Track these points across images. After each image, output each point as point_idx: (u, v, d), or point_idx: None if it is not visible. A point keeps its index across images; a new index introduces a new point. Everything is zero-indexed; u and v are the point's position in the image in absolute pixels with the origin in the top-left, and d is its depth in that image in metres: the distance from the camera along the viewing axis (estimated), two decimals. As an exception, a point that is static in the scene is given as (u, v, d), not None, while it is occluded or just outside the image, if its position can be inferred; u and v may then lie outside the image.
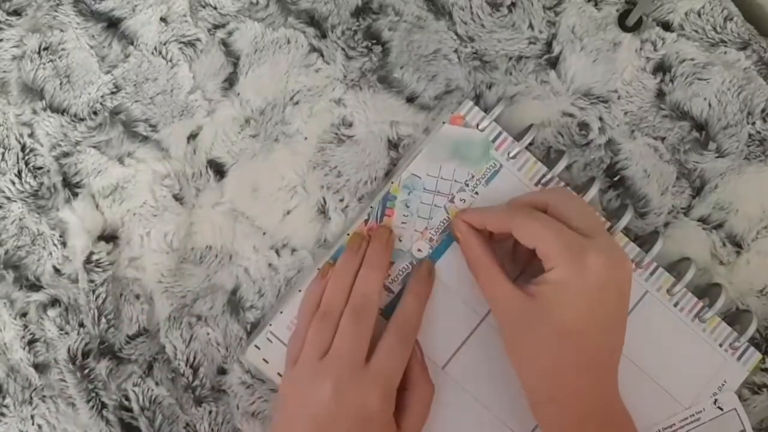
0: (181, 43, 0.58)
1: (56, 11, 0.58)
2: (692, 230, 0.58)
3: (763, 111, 0.59)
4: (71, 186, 0.57)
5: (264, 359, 0.54)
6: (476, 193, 0.55)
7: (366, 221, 0.55)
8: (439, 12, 0.59)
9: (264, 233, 0.57)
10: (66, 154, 0.57)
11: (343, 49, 0.58)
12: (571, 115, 0.58)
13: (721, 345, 0.55)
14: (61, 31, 0.58)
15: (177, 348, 0.56)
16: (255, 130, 0.58)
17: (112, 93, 0.58)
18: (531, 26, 0.59)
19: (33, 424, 0.56)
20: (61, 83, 0.58)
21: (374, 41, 0.58)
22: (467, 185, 0.55)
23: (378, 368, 0.49)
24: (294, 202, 0.57)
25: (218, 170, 0.58)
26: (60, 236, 0.57)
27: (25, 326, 0.56)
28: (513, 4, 0.59)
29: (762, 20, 0.60)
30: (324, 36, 0.58)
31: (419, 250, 0.55)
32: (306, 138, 0.58)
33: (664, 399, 0.55)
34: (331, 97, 0.58)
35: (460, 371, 0.54)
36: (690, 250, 0.58)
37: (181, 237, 0.57)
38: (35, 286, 0.57)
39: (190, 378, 0.56)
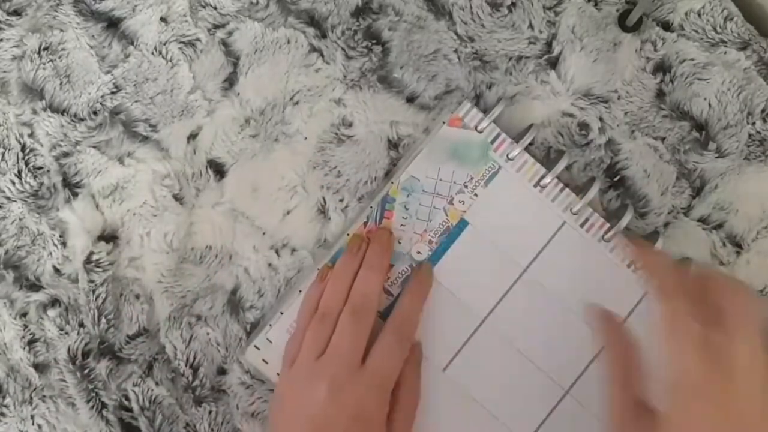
0: (181, 43, 0.58)
1: (56, 11, 0.58)
2: (692, 230, 0.58)
3: (763, 111, 0.58)
4: (71, 186, 0.57)
5: (264, 360, 0.54)
6: (475, 194, 0.55)
7: (365, 223, 0.55)
8: (439, 12, 0.59)
9: (264, 233, 0.57)
10: (66, 154, 0.57)
11: (343, 49, 0.58)
12: (571, 115, 0.58)
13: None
14: (61, 31, 0.58)
15: (177, 348, 0.56)
16: (255, 130, 0.58)
17: (112, 93, 0.58)
18: (531, 26, 0.59)
19: (33, 424, 0.56)
20: (61, 83, 0.58)
21: (374, 41, 0.58)
22: (466, 187, 0.55)
23: (374, 368, 0.49)
24: (294, 202, 0.58)
25: (218, 170, 0.58)
26: (60, 236, 0.57)
27: (25, 326, 0.56)
28: (513, 4, 0.59)
29: (762, 20, 0.60)
30: (324, 36, 0.58)
31: (419, 252, 0.55)
32: (306, 138, 0.58)
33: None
34: (331, 97, 0.58)
35: (461, 374, 0.54)
36: (690, 250, 0.58)
37: (181, 237, 0.57)
38: (35, 286, 0.57)
39: (190, 378, 0.56)
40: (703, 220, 0.58)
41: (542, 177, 0.55)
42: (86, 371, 0.56)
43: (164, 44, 0.58)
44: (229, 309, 0.57)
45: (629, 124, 0.58)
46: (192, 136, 0.58)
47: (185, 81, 0.58)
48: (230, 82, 0.58)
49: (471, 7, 0.58)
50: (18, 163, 0.57)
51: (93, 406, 0.55)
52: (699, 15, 0.59)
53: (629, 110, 0.59)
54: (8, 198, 0.57)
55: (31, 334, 0.56)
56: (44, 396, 0.56)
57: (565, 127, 0.58)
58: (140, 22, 0.58)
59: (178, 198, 0.57)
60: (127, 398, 0.56)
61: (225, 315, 0.57)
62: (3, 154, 0.57)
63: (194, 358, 0.56)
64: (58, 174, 0.57)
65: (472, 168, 0.55)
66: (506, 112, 0.57)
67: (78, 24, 0.58)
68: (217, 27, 0.58)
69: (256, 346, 0.54)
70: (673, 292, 0.45)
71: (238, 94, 0.58)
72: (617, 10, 0.59)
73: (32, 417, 0.56)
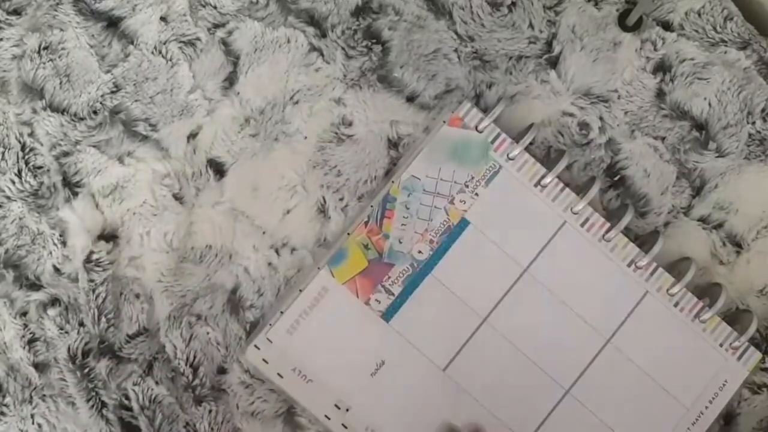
0: (181, 42, 0.58)
1: (56, 10, 0.58)
2: (692, 230, 0.58)
3: (763, 111, 0.59)
4: (71, 185, 0.57)
5: (264, 359, 0.54)
6: (476, 194, 0.55)
7: (366, 223, 0.55)
8: (439, 11, 0.59)
9: (264, 232, 0.57)
10: (66, 154, 0.57)
11: (343, 49, 0.58)
12: (571, 115, 0.58)
13: (721, 345, 0.55)
14: (61, 30, 0.58)
15: (177, 347, 0.56)
16: (255, 129, 0.58)
17: (112, 92, 0.58)
18: (531, 26, 0.59)
19: (33, 423, 0.56)
20: (61, 82, 0.58)
21: (374, 41, 0.58)
22: (467, 186, 0.55)
23: None
24: (294, 201, 0.58)
25: (218, 169, 0.58)
26: (60, 235, 0.57)
27: (25, 325, 0.56)
28: (513, 3, 0.59)
29: (762, 20, 0.60)
30: (324, 35, 0.58)
31: (419, 252, 0.55)
32: (306, 137, 0.58)
33: (665, 399, 0.55)
34: (331, 97, 0.58)
35: (461, 374, 0.54)
36: (690, 249, 0.58)
37: (181, 236, 0.57)
38: (35, 286, 0.57)
39: (190, 377, 0.56)
40: (703, 220, 0.58)
41: (542, 177, 0.55)
42: (86, 370, 0.56)
43: (164, 43, 0.58)
44: (229, 308, 0.57)
45: (629, 123, 0.59)
46: (192, 136, 0.58)
47: (185, 80, 0.58)
48: (230, 81, 0.58)
49: (471, 7, 0.58)
50: (18, 162, 0.57)
51: (93, 406, 0.55)
52: (699, 15, 0.59)
53: (629, 110, 0.59)
54: (8, 197, 0.57)
55: (31, 333, 0.56)
56: (44, 395, 0.56)
57: (565, 126, 0.58)
58: (140, 22, 0.58)
59: (178, 197, 0.57)
60: (127, 397, 0.56)
61: (225, 314, 0.57)
62: (3, 153, 0.57)
63: (194, 358, 0.56)
64: (58, 173, 0.57)
65: (473, 168, 0.55)
66: (506, 112, 0.57)
67: (78, 23, 0.58)
68: (217, 26, 0.58)
69: (256, 346, 0.54)
70: None
71: (238, 93, 0.58)
72: (617, 10, 0.59)
73: (32, 416, 0.56)
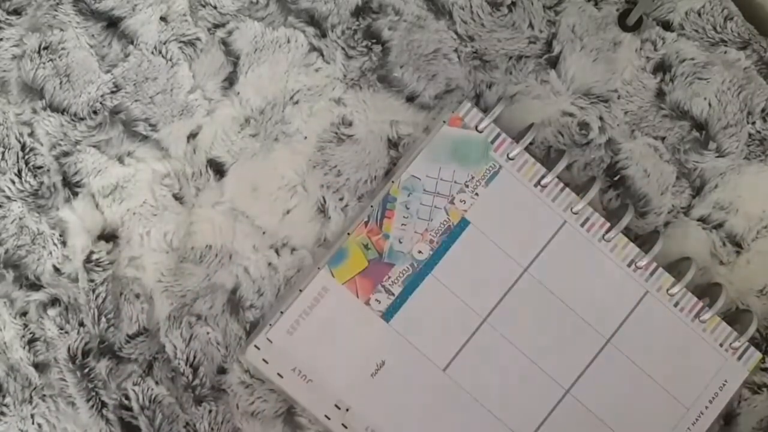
0: (181, 42, 0.58)
1: (56, 10, 0.58)
2: (692, 230, 0.58)
3: (763, 111, 0.59)
4: (71, 185, 0.57)
5: (264, 359, 0.54)
6: (476, 194, 0.55)
7: (366, 223, 0.55)
8: (439, 11, 0.59)
9: (264, 232, 0.57)
10: (66, 154, 0.57)
11: (342, 49, 0.58)
12: (571, 115, 0.58)
13: (721, 345, 0.55)
14: (61, 30, 0.58)
15: (177, 347, 0.56)
16: (255, 129, 0.58)
17: (112, 92, 0.58)
18: (531, 26, 0.59)
19: (33, 423, 0.56)
20: (61, 82, 0.58)
21: (374, 41, 0.58)
22: (467, 186, 0.55)
23: None
24: (294, 201, 0.58)
25: (218, 169, 0.58)
26: (60, 235, 0.57)
27: (25, 325, 0.56)
28: (513, 3, 0.59)
29: (762, 20, 0.60)
30: (324, 35, 0.58)
31: (420, 252, 0.55)
32: (306, 137, 0.58)
33: (665, 399, 0.55)
34: (330, 97, 0.58)
35: (461, 374, 0.54)
36: (690, 249, 0.58)
37: (181, 236, 0.57)
38: (35, 286, 0.57)
39: (190, 377, 0.56)
40: (703, 220, 0.58)
41: (542, 176, 0.55)
42: (86, 370, 0.55)
43: (164, 43, 0.58)
44: (229, 308, 0.57)
45: (629, 123, 0.59)
46: (192, 136, 0.58)
47: (185, 80, 0.58)
48: (230, 81, 0.58)
49: (471, 7, 0.58)
50: (18, 162, 0.57)
51: (93, 406, 0.55)
52: (699, 14, 0.59)
53: (629, 110, 0.59)
54: (8, 197, 0.57)
55: (31, 333, 0.56)
56: (44, 395, 0.56)
57: (565, 126, 0.58)
58: (140, 22, 0.58)
59: (177, 197, 0.57)
60: (127, 397, 0.56)
61: (225, 314, 0.57)
62: (3, 153, 0.57)
63: (194, 358, 0.56)
64: (58, 173, 0.57)
65: (473, 168, 0.55)
66: (506, 112, 0.57)
67: (78, 23, 0.58)
68: (216, 26, 0.58)
69: (256, 346, 0.54)
70: None
71: (238, 93, 0.58)
72: (617, 10, 0.59)
73: (32, 416, 0.56)
